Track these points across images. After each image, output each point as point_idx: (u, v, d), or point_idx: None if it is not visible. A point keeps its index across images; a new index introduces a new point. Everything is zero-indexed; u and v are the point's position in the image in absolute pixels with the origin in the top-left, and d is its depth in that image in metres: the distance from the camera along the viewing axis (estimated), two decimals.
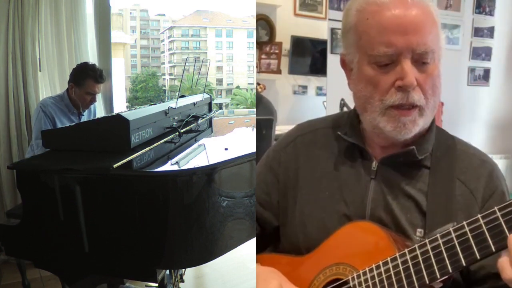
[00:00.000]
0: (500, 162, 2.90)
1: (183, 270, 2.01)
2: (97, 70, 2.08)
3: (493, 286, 0.75)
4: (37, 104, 2.14)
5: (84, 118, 2.17)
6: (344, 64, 0.84)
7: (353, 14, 0.78)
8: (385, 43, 0.73)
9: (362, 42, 0.77)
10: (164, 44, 43.12)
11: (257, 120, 2.46)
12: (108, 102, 2.74)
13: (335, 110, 2.42)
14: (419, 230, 0.77)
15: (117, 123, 1.40)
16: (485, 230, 0.61)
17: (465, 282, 0.79)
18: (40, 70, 2.46)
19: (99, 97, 2.65)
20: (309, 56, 2.72)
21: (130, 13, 41.95)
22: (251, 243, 1.17)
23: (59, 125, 2.01)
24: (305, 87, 2.78)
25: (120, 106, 5.23)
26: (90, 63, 2.17)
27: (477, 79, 3.01)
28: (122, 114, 1.42)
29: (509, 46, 2.99)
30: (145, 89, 36.77)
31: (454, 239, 0.64)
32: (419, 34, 0.72)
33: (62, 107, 2.08)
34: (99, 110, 2.63)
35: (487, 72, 3.01)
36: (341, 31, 0.83)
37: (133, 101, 33.67)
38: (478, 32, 2.94)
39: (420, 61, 0.74)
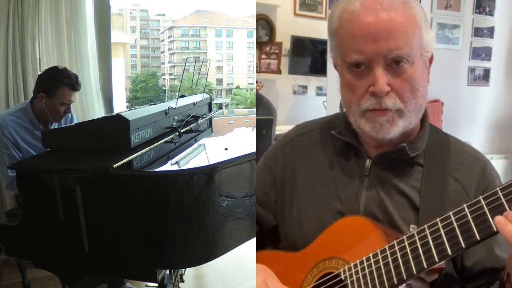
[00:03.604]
0: (500, 162, 2.90)
1: (183, 270, 2.01)
2: (72, 76, 1.80)
3: (488, 280, 0.76)
4: None
5: None
6: (335, 66, 0.86)
7: (334, 20, 0.80)
8: (356, 51, 0.75)
9: (340, 48, 0.80)
10: (164, 44, 43.14)
11: (257, 120, 2.46)
12: (108, 102, 2.74)
13: (335, 110, 2.42)
14: (412, 226, 0.79)
15: (117, 123, 1.40)
16: (470, 219, 0.62)
17: (460, 277, 0.80)
18: (40, 70, 2.46)
19: (99, 97, 2.66)
20: (309, 56, 2.71)
21: (130, 13, 41.95)
22: (251, 243, 1.17)
23: (22, 146, 1.76)
24: (305, 87, 2.77)
25: (120, 106, 5.24)
26: (61, 67, 1.86)
27: (477, 79, 3.01)
28: (122, 114, 1.42)
29: (509, 46, 2.98)
30: (145, 89, 36.78)
31: (441, 229, 0.65)
32: (390, 39, 0.73)
33: (25, 123, 1.79)
34: (98, 110, 2.63)
35: (487, 72, 3.01)
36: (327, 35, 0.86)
37: (133, 101, 33.68)
38: (478, 32, 2.93)
39: (395, 65, 0.75)
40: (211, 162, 1.39)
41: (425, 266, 0.66)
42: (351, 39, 0.76)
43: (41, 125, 1.85)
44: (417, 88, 0.77)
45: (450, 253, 0.63)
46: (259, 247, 0.98)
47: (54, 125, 1.94)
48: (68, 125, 1.88)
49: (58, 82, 1.77)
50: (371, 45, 0.74)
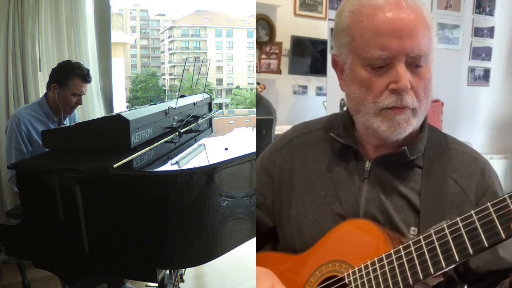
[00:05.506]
0: (500, 162, 2.90)
1: (183, 270, 2.01)
2: (84, 68, 1.92)
3: (493, 282, 0.76)
4: (12, 115, 1.92)
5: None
6: (335, 64, 0.84)
7: (346, 15, 0.78)
8: (380, 47, 0.73)
9: (355, 44, 0.76)
10: (164, 44, 43.14)
11: (257, 120, 2.46)
12: (108, 102, 2.74)
13: (335, 110, 2.42)
14: (412, 228, 0.78)
15: (117, 123, 1.40)
16: (478, 226, 0.62)
17: (462, 279, 0.79)
18: (40, 70, 2.46)
19: (99, 97, 2.66)
20: (309, 56, 2.71)
21: (130, 13, 41.94)
22: (251, 243, 1.17)
23: (35, 138, 1.83)
24: (305, 87, 2.77)
25: (120, 106, 5.24)
26: (73, 61, 2.00)
27: (477, 79, 3.01)
28: (122, 114, 1.42)
29: (509, 46, 2.98)
30: (145, 89, 36.78)
31: (448, 235, 0.65)
32: (413, 38, 0.72)
33: (40, 116, 1.88)
34: (98, 110, 2.63)
35: (487, 72, 3.01)
36: (333, 32, 0.83)
37: (133, 101, 33.70)
38: (478, 32, 2.93)
39: (414, 64, 0.74)
40: (211, 162, 1.39)
41: (432, 272, 0.65)
42: (374, 34, 0.73)
43: (55, 117, 1.93)
44: (429, 88, 0.77)
45: (457, 259, 0.63)
46: (257, 249, 0.97)
47: (67, 120, 2.02)
48: (68, 124, 1.93)
49: (70, 73, 1.87)
50: (396, 42, 0.72)
